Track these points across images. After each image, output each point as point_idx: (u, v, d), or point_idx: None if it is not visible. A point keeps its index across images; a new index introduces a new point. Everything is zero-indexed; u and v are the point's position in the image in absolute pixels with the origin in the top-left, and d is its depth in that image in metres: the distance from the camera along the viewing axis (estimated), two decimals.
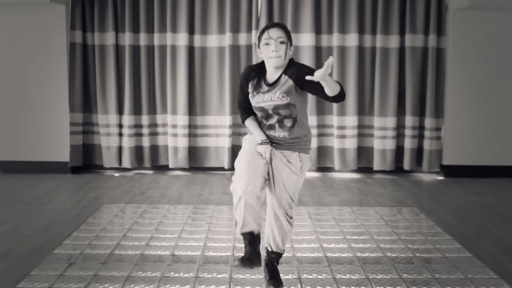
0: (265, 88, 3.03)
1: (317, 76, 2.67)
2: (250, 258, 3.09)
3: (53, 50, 6.69)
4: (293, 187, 3.09)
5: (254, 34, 6.69)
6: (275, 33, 2.96)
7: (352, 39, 6.70)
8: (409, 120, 6.79)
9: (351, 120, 6.78)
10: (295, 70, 2.99)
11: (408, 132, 6.82)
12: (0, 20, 6.68)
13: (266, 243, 3.22)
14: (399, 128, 6.87)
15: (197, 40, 6.81)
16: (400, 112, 6.85)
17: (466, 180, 6.64)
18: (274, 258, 3.22)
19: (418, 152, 6.91)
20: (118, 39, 6.79)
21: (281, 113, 3.03)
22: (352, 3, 6.66)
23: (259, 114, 3.10)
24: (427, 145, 6.80)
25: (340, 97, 2.86)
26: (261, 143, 3.06)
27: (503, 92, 6.75)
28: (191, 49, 6.82)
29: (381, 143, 6.81)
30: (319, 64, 6.77)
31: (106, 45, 6.76)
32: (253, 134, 3.15)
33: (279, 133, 3.08)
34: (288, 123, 3.06)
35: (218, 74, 6.82)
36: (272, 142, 3.09)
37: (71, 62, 6.74)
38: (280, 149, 3.08)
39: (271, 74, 3.05)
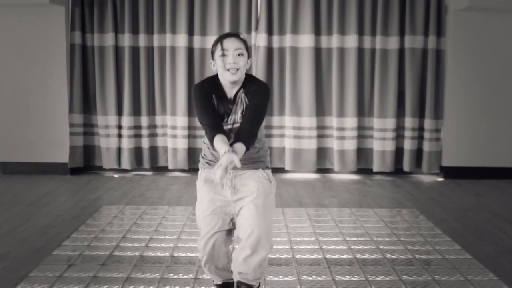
0: (229, 107, 2.66)
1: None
2: None
3: (53, 51, 6.69)
4: (268, 212, 2.67)
5: (254, 35, 6.69)
6: (233, 43, 2.61)
7: (351, 41, 6.70)
8: (409, 122, 6.79)
9: (350, 121, 6.78)
10: (255, 85, 2.66)
11: (407, 133, 6.82)
12: (0, 21, 6.67)
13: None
14: (399, 129, 6.87)
15: (197, 41, 6.81)
16: (400, 113, 6.85)
17: (465, 181, 6.63)
18: None
19: (418, 154, 6.91)
20: (118, 40, 6.79)
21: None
22: (352, 4, 6.66)
23: None
24: (426, 146, 6.80)
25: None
26: (225, 152, 2.42)
27: (503, 93, 6.75)
28: (190, 50, 6.82)
29: (381, 145, 6.81)
30: (318, 66, 6.78)
31: (105, 46, 6.76)
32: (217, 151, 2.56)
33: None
34: None
35: None
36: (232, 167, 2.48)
37: (70, 63, 6.74)
38: (242, 170, 2.65)
39: (228, 89, 2.67)
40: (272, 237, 2.73)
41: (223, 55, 2.61)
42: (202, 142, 2.83)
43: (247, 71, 2.72)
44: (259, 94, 2.65)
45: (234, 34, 2.69)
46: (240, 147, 2.50)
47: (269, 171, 2.79)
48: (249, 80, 2.70)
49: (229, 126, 2.66)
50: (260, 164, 2.75)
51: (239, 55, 2.61)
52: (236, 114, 2.66)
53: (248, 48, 2.70)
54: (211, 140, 2.57)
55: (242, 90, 2.67)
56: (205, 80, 2.74)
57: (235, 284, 2.77)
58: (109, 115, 6.83)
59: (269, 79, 6.74)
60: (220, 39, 2.65)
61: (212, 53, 2.69)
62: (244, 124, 2.61)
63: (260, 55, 6.70)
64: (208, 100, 2.66)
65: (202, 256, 2.70)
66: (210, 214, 2.67)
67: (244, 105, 2.65)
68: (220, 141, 2.52)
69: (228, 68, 2.60)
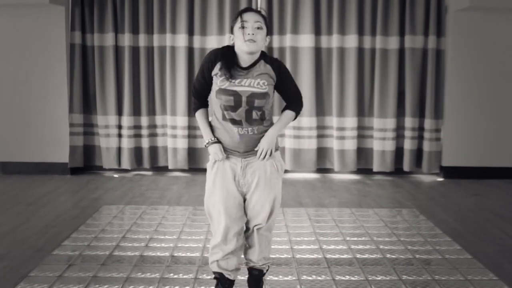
0: (240, 71, 2.69)
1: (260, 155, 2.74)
2: None
3: (53, 51, 6.69)
4: (274, 196, 2.82)
5: None
6: (252, 16, 2.66)
7: (351, 40, 6.70)
8: (409, 122, 6.79)
9: (350, 121, 6.78)
10: (277, 62, 2.78)
11: (407, 133, 6.82)
12: (0, 21, 6.67)
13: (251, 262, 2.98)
14: (399, 129, 6.87)
15: (197, 41, 6.81)
16: (400, 113, 6.85)
17: (465, 181, 6.64)
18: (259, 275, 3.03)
19: (418, 154, 6.91)
20: (118, 40, 6.79)
21: (254, 102, 2.67)
22: (352, 4, 6.66)
23: (225, 102, 2.67)
24: (426, 146, 6.80)
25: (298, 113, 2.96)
26: (209, 144, 2.76)
27: (503, 93, 6.75)
28: (190, 50, 6.82)
29: (381, 145, 6.81)
30: (318, 66, 6.78)
31: (105, 46, 6.76)
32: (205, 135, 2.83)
33: (246, 129, 2.71)
34: (256, 116, 2.71)
35: None
36: (235, 146, 2.75)
37: (70, 63, 6.74)
38: (246, 156, 2.76)
39: (244, 60, 2.71)
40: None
41: (242, 27, 2.65)
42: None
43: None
44: (285, 70, 2.80)
45: (254, 9, 2.74)
46: (289, 114, 2.85)
47: (277, 153, 2.85)
48: (265, 55, 2.79)
49: (242, 88, 2.67)
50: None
51: (258, 28, 2.65)
52: (252, 79, 2.69)
53: (267, 25, 2.74)
54: (195, 110, 2.88)
55: (262, 60, 2.74)
56: (222, 47, 2.79)
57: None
58: (109, 115, 6.83)
59: None
60: (241, 13, 2.70)
61: (232, 28, 2.75)
62: (292, 96, 2.87)
63: None
64: (206, 70, 2.75)
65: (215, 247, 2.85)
66: (229, 217, 2.79)
67: (266, 74, 2.71)
68: (202, 121, 2.83)
69: (246, 39, 2.63)
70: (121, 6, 6.73)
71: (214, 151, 2.76)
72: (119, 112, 6.87)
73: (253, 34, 2.63)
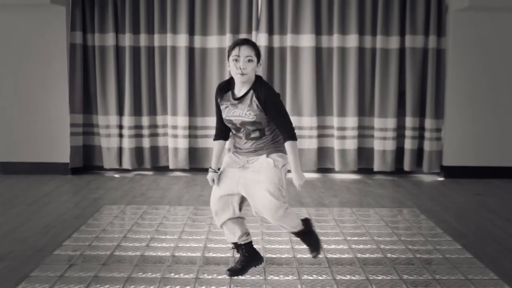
0: (233, 102, 3.23)
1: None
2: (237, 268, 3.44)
3: (54, 51, 6.70)
4: (274, 185, 3.19)
5: (254, 35, 6.69)
6: (244, 51, 3.13)
7: (352, 40, 6.70)
8: (409, 121, 6.79)
9: (351, 121, 6.78)
10: (264, 93, 3.17)
11: (408, 133, 6.82)
12: (0, 21, 6.68)
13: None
14: (399, 129, 6.87)
15: (197, 41, 6.81)
16: (400, 113, 6.85)
17: (466, 181, 6.64)
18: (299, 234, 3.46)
19: (418, 153, 6.91)
20: (118, 40, 6.79)
21: (248, 128, 3.23)
22: (352, 4, 6.66)
23: (229, 125, 3.31)
24: (427, 146, 6.80)
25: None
26: (209, 171, 3.39)
27: (503, 92, 6.75)
28: (191, 50, 6.82)
29: (381, 144, 6.81)
30: (319, 66, 6.78)
31: (106, 46, 6.76)
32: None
33: (246, 144, 3.28)
34: (255, 134, 3.25)
35: (218, 75, 6.81)
36: (241, 150, 3.31)
37: (71, 63, 6.74)
38: (249, 156, 3.28)
39: (238, 89, 3.24)
40: (284, 203, 3.23)
41: (235, 60, 3.13)
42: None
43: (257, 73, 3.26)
44: (271, 101, 3.18)
45: (247, 42, 3.18)
46: (289, 145, 3.19)
47: (275, 155, 3.26)
48: (258, 83, 3.22)
49: (234, 118, 3.24)
50: (263, 152, 3.26)
51: (249, 61, 3.13)
52: (242, 110, 3.20)
53: (258, 55, 3.20)
54: (214, 139, 3.46)
55: (252, 91, 3.20)
56: (222, 82, 3.37)
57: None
58: (110, 115, 6.84)
59: (270, 79, 6.74)
60: (235, 46, 3.16)
61: (228, 55, 3.20)
62: (279, 127, 3.23)
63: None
64: (217, 105, 3.35)
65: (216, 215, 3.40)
66: (222, 201, 3.35)
67: (254, 104, 3.17)
68: (216, 150, 3.44)
69: (238, 72, 3.13)
70: (122, 6, 6.73)
71: (210, 177, 3.40)
72: (120, 112, 6.87)
73: (244, 68, 3.12)
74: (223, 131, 3.40)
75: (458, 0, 6.43)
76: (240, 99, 3.21)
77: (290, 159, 3.22)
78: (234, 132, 3.33)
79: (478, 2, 6.23)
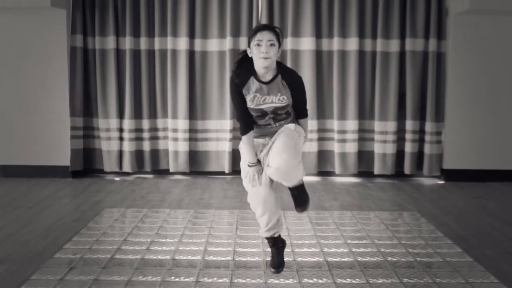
0: (264, 89, 3.19)
1: None
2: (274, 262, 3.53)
3: (54, 54, 6.70)
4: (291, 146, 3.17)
5: None
6: (266, 35, 3.11)
7: (352, 43, 6.70)
8: (410, 124, 6.79)
9: (351, 124, 6.78)
10: (291, 76, 3.26)
11: (408, 136, 6.82)
12: (1, 24, 6.69)
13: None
14: (400, 132, 6.87)
15: (198, 44, 6.81)
16: (401, 116, 6.85)
17: (466, 184, 6.63)
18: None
19: (419, 156, 6.91)
20: (119, 43, 6.79)
21: (278, 112, 3.26)
22: (353, 7, 6.67)
23: (256, 114, 3.27)
24: (427, 149, 6.80)
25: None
26: (251, 165, 3.31)
27: (504, 95, 6.75)
28: (191, 53, 6.82)
29: (382, 147, 6.81)
30: (319, 69, 6.78)
31: (106, 49, 6.77)
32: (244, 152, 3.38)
33: (272, 126, 3.31)
34: (281, 117, 3.30)
35: (219, 78, 6.82)
36: (265, 134, 3.33)
37: (71, 66, 6.74)
38: (272, 135, 3.30)
39: (262, 74, 3.20)
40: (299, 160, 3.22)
41: (258, 45, 3.11)
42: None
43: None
44: (299, 83, 3.28)
45: (268, 27, 3.17)
46: (305, 120, 3.40)
47: (293, 124, 3.32)
48: (281, 67, 3.25)
49: (267, 105, 3.22)
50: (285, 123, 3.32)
51: (271, 45, 3.10)
52: (274, 96, 3.20)
53: (279, 39, 3.17)
54: (242, 134, 3.30)
55: (280, 76, 3.21)
56: (237, 70, 3.28)
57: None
58: (110, 118, 6.84)
59: None
60: (257, 31, 3.14)
61: (249, 42, 3.19)
62: (301, 106, 3.34)
63: None
64: (237, 94, 3.24)
65: (256, 208, 3.39)
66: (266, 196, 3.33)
67: (283, 89, 3.20)
68: (249, 143, 3.29)
69: (261, 56, 3.10)
70: (122, 9, 6.73)
71: (253, 172, 3.29)
72: (120, 115, 6.87)
73: (267, 52, 3.09)
74: (248, 122, 3.31)
75: (458, 3, 6.44)
76: (270, 83, 3.20)
77: (304, 128, 3.39)
78: (260, 120, 3.30)
79: (478, 6, 6.23)
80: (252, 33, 3.18)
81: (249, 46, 3.19)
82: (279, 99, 3.20)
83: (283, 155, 3.09)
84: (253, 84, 3.20)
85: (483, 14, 6.55)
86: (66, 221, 4.79)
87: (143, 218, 4.90)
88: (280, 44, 3.18)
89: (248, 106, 3.23)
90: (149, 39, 6.82)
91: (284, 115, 3.29)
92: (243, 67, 3.26)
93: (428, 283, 3.36)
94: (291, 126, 3.28)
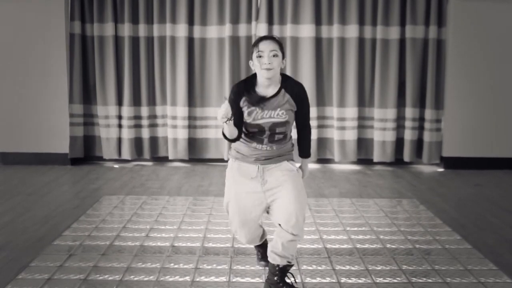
0: (263, 103, 2.95)
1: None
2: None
3: (52, 41, 6.67)
4: (300, 194, 2.95)
5: (254, 25, 6.67)
6: (268, 46, 2.91)
7: (352, 30, 6.67)
8: (409, 112, 6.78)
9: (351, 111, 6.77)
10: (297, 89, 3.02)
11: (408, 123, 6.81)
12: (0, 11, 6.67)
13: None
14: (399, 119, 6.86)
15: (197, 31, 6.78)
16: (400, 103, 6.84)
17: (466, 171, 6.64)
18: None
19: (418, 144, 6.91)
20: (118, 30, 6.76)
21: (276, 129, 2.99)
22: None
23: (252, 130, 3.00)
24: (427, 136, 6.80)
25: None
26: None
27: (504, 83, 6.73)
28: (190, 40, 6.79)
29: (381, 135, 6.80)
30: (319, 56, 6.76)
31: (105, 36, 6.73)
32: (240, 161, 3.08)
33: (266, 146, 3.03)
34: (278, 138, 3.03)
35: (218, 65, 6.80)
36: (257, 157, 3.03)
37: (70, 53, 6.71)
38: (266, 164, 3.02)
39: (264, 88, 2.98)
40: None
41: (259, 56, 2.91)
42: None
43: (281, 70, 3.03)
44: (304, 97, 3.05)
45: (270, 37, 2.97)
46: (305, 161, 3.29)
47: (293, 162, 3.13)
48: (285, 79, 3.03)
49: (264, 120, 2.96)
50: (283, 158, 3.08)
51: (273, 56, 2.90)
52: (273, 110, 2.96)
53: (283, 49, 2.97)
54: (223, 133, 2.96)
55: (283, 90, 2.98)
56: (245, 79, 3.06)
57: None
58: (109, 105, 6.82)
59: None
60: (258, 42, 2.95)
61: (251, 53, 2.98)
62: (303, 128, 3.18)
63: None
64: (236, 104, 2.95)
65: (236, 233, 3.19)
66: (240, 207, 3.06)
67: (285, 104, 2.96)
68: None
69: (263, 67, 2.89)
70: None
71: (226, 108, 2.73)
72: (119, 102, 6.85)
73: (269, 63, 2.88)
74: (239, 134, 3.00)
75: None
76: (271, 99, 2.96)
77: (303, 169, 3.24)
78: (251, 136, 3.02)
79: None
80: (253, 45, 2.98)
81: (251, 58, 2.99)
82: (278, 114, 2.95)
83: (288, 213, 2.88)
84: (253, 97, 2.96)
85: (484, 1, 6.52)
86: (65, 208, 4.79)
87: (142, 205, 4.91)
88: (284, 55, 2.97)
89: (245, 120, 2.97)
90: (147, 25, 6.78)
91: (281, 135, 3.02)
92: (247, 80, 3.05)
93: (427, 270, 3.37)
94: (292, 167, 3.06)
